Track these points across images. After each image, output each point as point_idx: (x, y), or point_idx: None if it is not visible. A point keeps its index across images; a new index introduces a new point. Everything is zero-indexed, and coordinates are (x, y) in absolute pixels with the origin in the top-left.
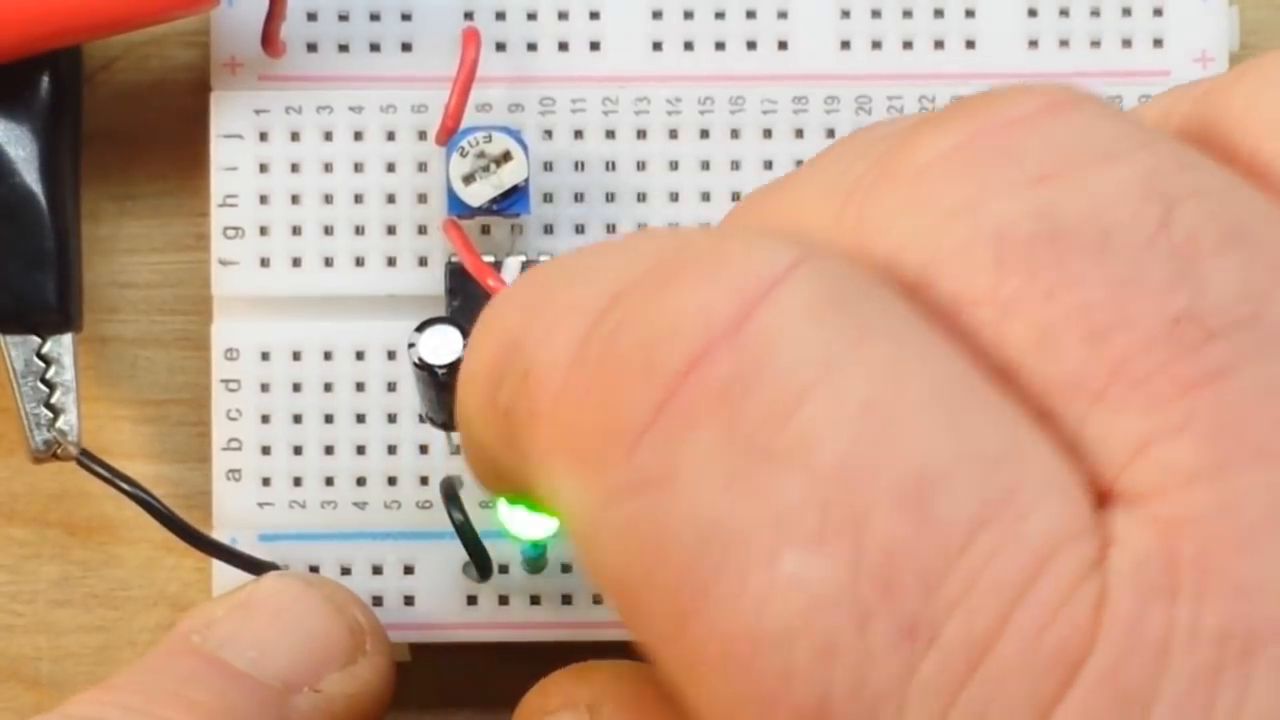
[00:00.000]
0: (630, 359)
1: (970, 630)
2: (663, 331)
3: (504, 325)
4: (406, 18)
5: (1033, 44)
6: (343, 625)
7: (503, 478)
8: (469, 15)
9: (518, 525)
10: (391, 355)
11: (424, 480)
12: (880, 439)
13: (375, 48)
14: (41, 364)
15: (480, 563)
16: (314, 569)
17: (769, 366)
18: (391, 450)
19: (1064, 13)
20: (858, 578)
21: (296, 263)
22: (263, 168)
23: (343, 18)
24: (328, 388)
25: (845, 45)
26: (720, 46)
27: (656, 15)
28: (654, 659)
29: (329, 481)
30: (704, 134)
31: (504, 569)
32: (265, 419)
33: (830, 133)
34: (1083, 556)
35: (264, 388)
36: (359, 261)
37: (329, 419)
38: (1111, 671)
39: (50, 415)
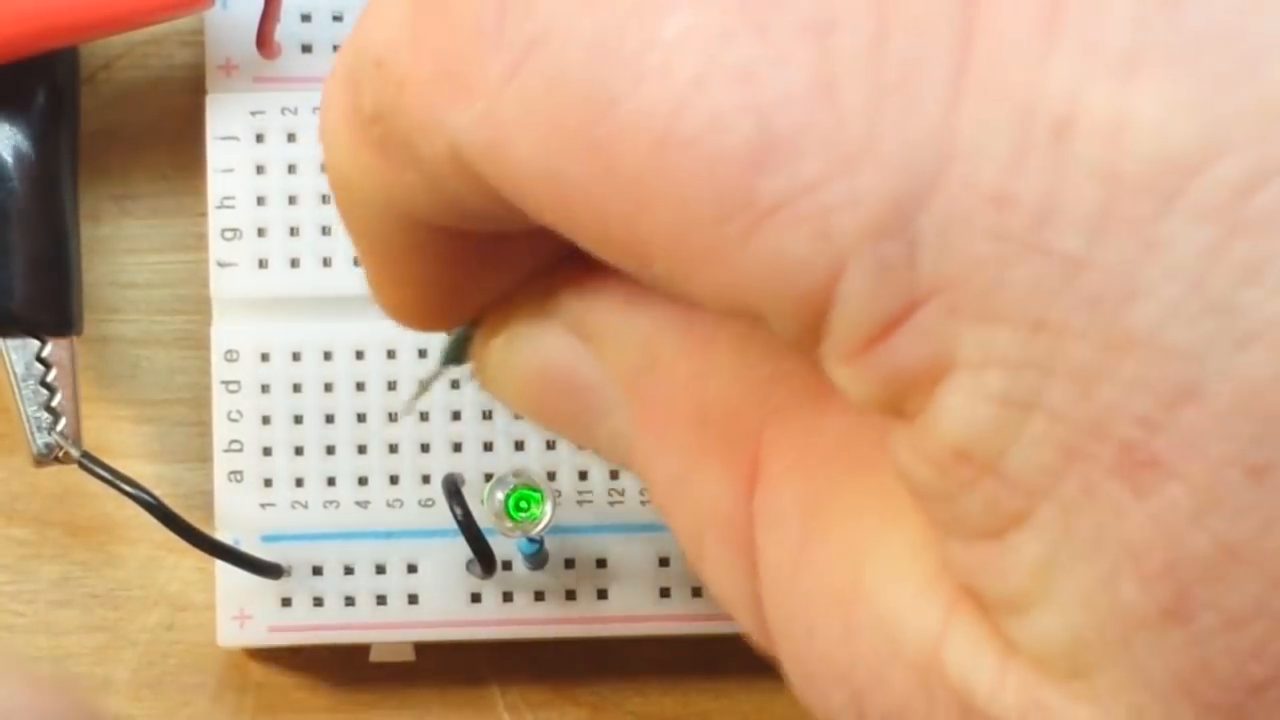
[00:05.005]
0: None
1: None
2: None
3: (344, 54)
4: None
5: None
6: None
7: (392, 210)
8: None
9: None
10: (391, 354)
11: (426, 479)
12: None
13: None
14: (41, 367)
15: (484, 559)
16: (317, 570)
17: None
18: (393, 449)
19: None
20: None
21: (294, 263)
22: (259, 169)
23: (337, 18)
24: (328, 388)
25: None
26: None
27: None
28: (607, 240)
29: (330, 481)
30: None
31: (507, 565)
32: (266, 420)
33: None
34: None
35: (264, 389)
36: (357, 261)
37: (329, 419)
38: None
39: (51, 419)
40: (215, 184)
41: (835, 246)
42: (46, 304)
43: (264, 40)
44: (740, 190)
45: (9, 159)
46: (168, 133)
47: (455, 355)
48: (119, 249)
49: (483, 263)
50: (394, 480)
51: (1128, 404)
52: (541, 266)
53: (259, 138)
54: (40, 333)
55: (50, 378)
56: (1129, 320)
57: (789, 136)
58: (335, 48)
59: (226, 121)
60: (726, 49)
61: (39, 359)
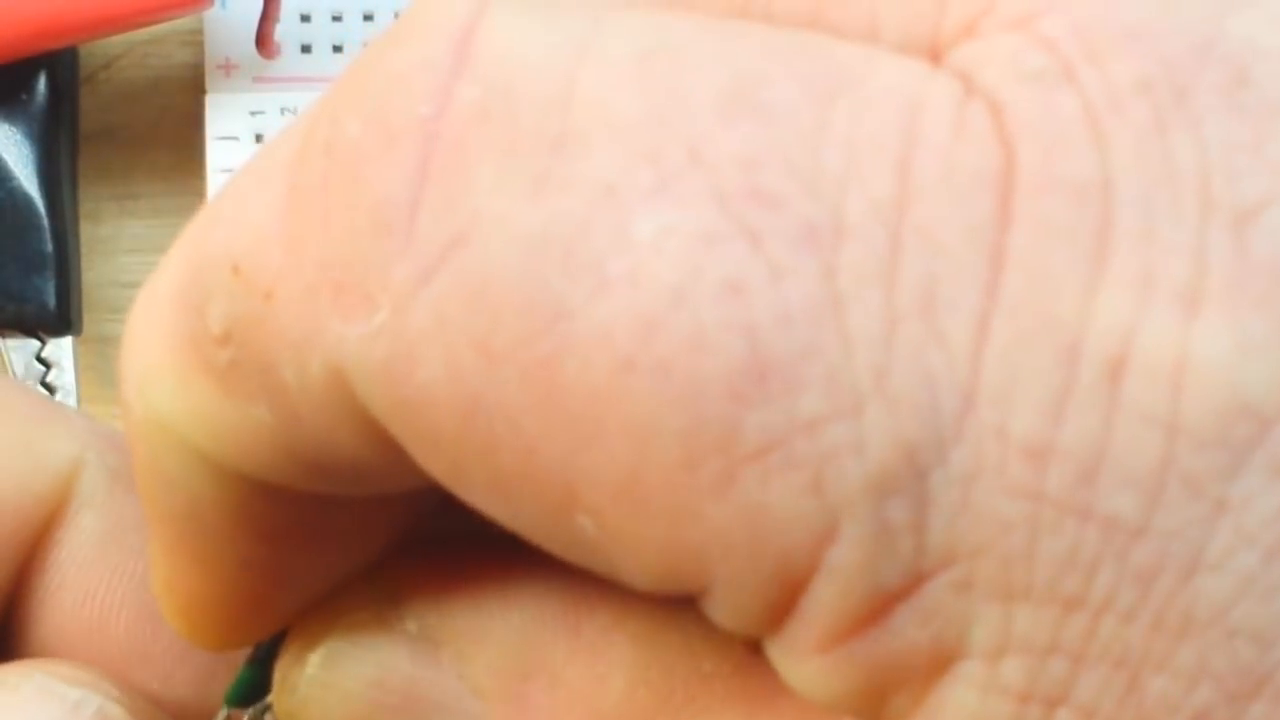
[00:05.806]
0: (363, 146)
1: (875, 197)
2: (389, 99)
3: (178, 260)
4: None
5: None
6: None
7: (216, 466)
8: None
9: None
10: None
11: None
12: (674, 70)
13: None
14: (42, 367)
15: None
16: None
17: (521, 65)
18: None
19: None
20: (725, 201)
21: None
22: None
23: (336, 19)
24: None
25: None
26: None
27: None
28: (523, 484)
29: None
30: None
31: None
32: None
33: None
34: (949, 86)
35: None
36: None
37: None
38: (1047, 166)
39: None
40: (215, 184)
41: (829, 502)
42: (46, 304)
43: (263, 40)
44: (722, 426)
45: (9, 159)
46: (169, 132)
47: (251, 686)
48: (120, 249)
49: (312, 541)
50: None
51: (1185, 698)
52: (374, 555)
53: (258, 138)
54: (40, 333)
55: (50, 378)
56: (1191, 597)
57: (786, 363)
58: (336, 48)
59: (226, 121)
60: (712, 256)
61: (39, 359)
